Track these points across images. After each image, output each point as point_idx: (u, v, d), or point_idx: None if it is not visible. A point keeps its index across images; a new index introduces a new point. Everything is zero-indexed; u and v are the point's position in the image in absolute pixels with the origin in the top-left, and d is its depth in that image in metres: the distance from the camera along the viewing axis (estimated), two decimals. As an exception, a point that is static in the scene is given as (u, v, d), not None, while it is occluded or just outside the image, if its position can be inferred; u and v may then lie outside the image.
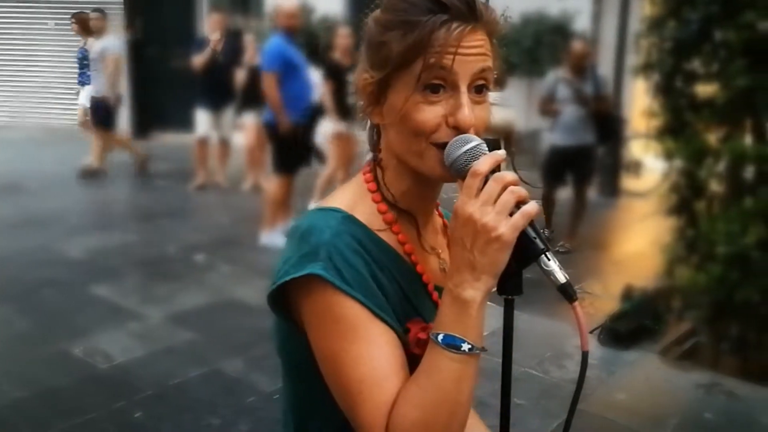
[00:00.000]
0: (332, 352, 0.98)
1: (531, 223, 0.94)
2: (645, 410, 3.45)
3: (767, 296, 3.71)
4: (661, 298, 4.27)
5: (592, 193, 6.56)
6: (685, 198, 4.19)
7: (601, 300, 4.14)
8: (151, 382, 3.51)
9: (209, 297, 4.76)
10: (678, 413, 3.45)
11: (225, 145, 7.94)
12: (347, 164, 6.33)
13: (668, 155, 4.20)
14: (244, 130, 7.58)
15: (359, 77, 1.06)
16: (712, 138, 4.07)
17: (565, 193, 5.70)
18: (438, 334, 0.94)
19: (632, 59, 5.44)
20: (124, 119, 8.19)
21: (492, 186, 0.92)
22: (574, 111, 5.58)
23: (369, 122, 1.11)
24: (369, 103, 1.05)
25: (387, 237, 1.06)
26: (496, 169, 0.95)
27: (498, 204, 0.92)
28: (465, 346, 0.93)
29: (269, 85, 5.45)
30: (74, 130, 5.39)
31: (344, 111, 6.01)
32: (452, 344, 0.93)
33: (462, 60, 0.97)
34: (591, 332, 3.79)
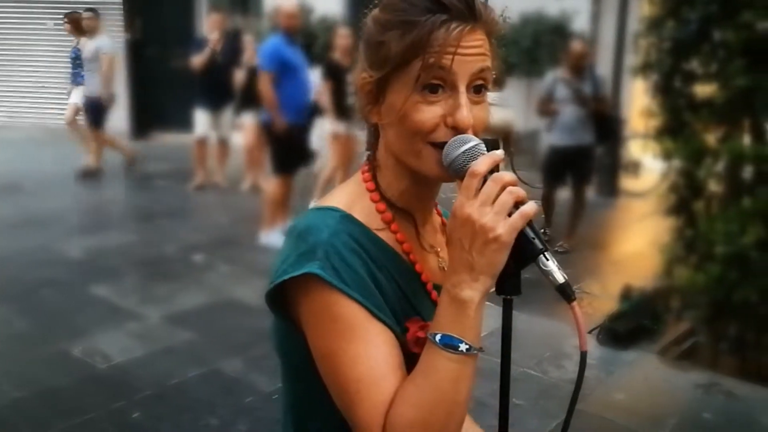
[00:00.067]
0: (330, 351, 0.98)
1: (529, 224, 0.94)
2: (644, 410, 3.46)
3: (766, 296, 3.71)
4: (660, 298, 4.27)
5: (591, 193, 6.56)
6: (684, 198, 4.20)
7: (600, 300, 4.13)
8: (150, 382, 3.51)
9: (208, 297, 4.76)
10: (677, 413, 3.45)
11: (224, 145, 7.93)
12: (347, 164, 6.33)
13: (667, 155, 4.21)
14: (243, 130, 7.57)
15: (358, 77, 1.06)
16: (711, 138, 4.07)
17: (563, 193, 5.70)
18: (435, 334, 0.94)
19: (631, 59, 5.43)
20: (123, 119, 8.21)
21: (490, 186, 0.92)
22: (572, 111, 5.57)
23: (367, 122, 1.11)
24: (367, 102, 1.05)
25: (385, 236, 1.06)
26: (495, 169, 0.95)
27: (496, 204, 0.92)
28: (462, 347, 0.93)
29: (265, 84, 5.46)
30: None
31: (344, 111, 6.01)
32: (450, 344, 0.93)
33: (461, 60, 0.97)
34: (590, 332, 3.79)
